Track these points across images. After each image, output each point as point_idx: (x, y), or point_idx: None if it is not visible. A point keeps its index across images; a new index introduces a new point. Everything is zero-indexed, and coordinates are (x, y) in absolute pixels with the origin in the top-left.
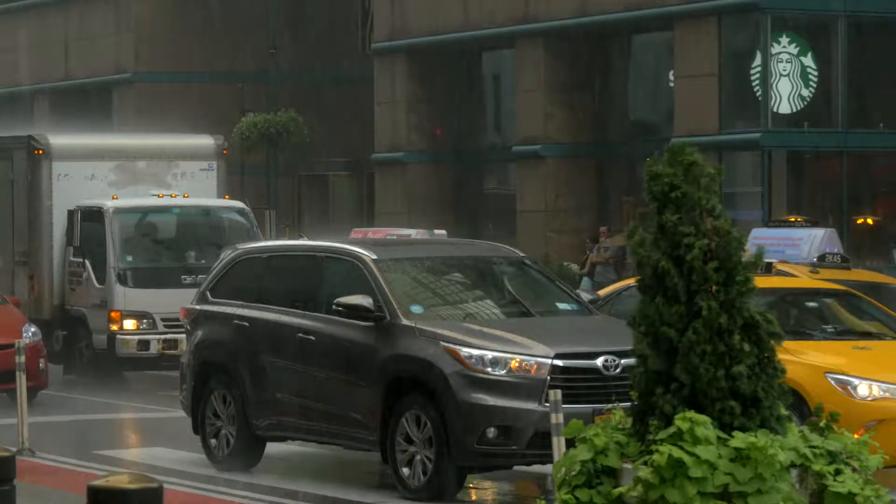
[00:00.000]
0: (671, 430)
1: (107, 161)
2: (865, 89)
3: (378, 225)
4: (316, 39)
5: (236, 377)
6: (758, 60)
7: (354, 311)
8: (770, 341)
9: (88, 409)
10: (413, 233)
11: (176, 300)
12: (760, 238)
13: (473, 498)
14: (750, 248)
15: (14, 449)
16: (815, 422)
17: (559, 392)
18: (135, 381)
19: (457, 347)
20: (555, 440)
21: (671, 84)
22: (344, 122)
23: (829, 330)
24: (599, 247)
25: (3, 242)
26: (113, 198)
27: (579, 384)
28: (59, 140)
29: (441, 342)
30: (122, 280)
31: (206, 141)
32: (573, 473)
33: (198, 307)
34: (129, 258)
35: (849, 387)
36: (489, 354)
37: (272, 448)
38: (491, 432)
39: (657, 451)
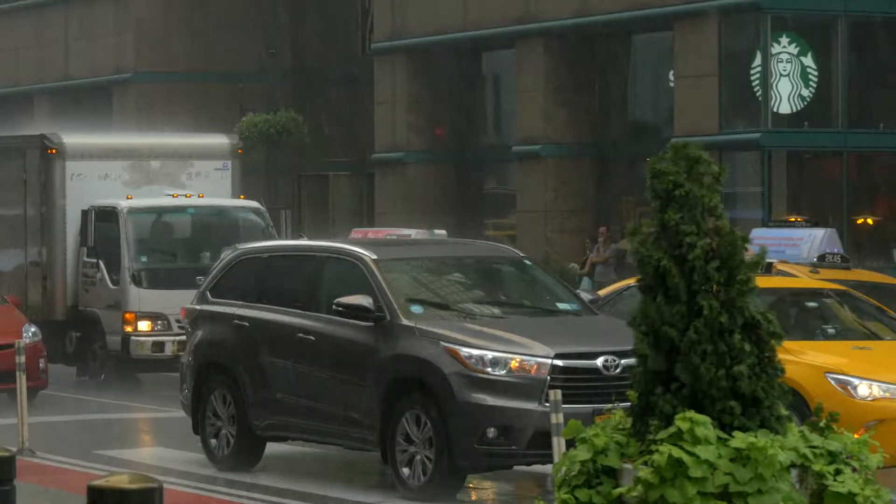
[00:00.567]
0: (671, 430)
1: (121, 160)
2: (865, 89)
3: (378, 225)
4: (316, 39)
5: (236, 377)
6: (758, 60)
7: (354, 311)
8: (770, 341)
9: (89, 409)
10: (413, 233)
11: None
12: (760, 238)
13: (473, 498)
14: (750, 249)
15: (14, 449)
16: (815, 422)
17: (559, 392)
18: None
19: (457, 347)
20: (555, 440)
21: (671, 84)
22: (344, 122)
23: (829, 330)
24: (599, 247)
25: (16, 243)
26: (127, 198)
27: (579, 384)
28: (72, 139)
29: (441, 342)
30: (136, 281)
31: (220, 140)
32: (573, 473)
33: (198, 307)
34: (144, 259)
35: (849, 387)
36: (489, 354)
37: (272, 448)
38: (491, 432)
39: (657, 451)
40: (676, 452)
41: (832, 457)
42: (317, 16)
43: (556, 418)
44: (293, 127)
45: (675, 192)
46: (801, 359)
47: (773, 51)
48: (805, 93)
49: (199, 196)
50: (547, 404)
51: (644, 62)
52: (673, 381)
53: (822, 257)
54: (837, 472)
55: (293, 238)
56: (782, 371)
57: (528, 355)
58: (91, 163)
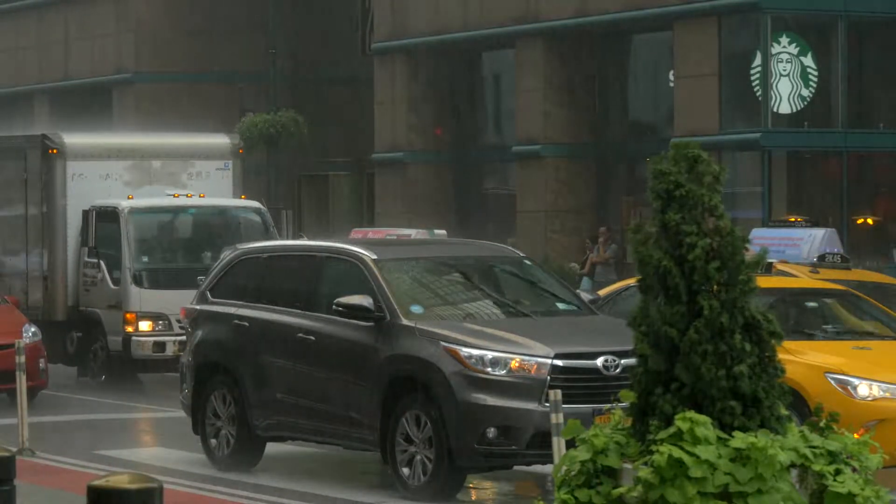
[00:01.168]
0: (671, 430)
1: (122, 160)
2: (865, 89)
3: (378, 225)
4: (316, 39)
5: (236, 377)
6: (758, 60)
7: (354, 311)
8: (771, 341)
9: (88, 409)
10: (413, 233)
11: None
12: (760, 238)
13: (473, 498)
14: (751, 249)
15: (14, 449)
16: (815, 422)
17: (559, 392)
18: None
19: (457, 347)
20: (555, 440)
21: (671, 84)
22: (344, 122)
23: (829, 330)
24: (599, 247)
25: (16, 243)
26: (128, 197)
27: (579, 384)
28: (73, 139)
29: (441, 342)
30: (137, 281)
31: (221, 140)
32: (573, 473)
33: (198, 307)
34: (145, 259)
35: (849, 387)
36: (489, 354)
37: (272, 448)
38: (491, 432)
39: (657, 451)
40: (676, 452)
41: (832, 457)
42: (317, 16)
43: (556, 418)
44: (293, 127)
45: (675, 193)
46: (801, 359)
47: (773, 51)
48: (805, 93)
49: (200, 196)
50: (547, 404)
51: (644, 62)
52: (673, 381)
53: (822, 257)
54: (837, 472)
55: (293, 238)
56: (782, 371)
57: (528, 355)
58: (92, 163)
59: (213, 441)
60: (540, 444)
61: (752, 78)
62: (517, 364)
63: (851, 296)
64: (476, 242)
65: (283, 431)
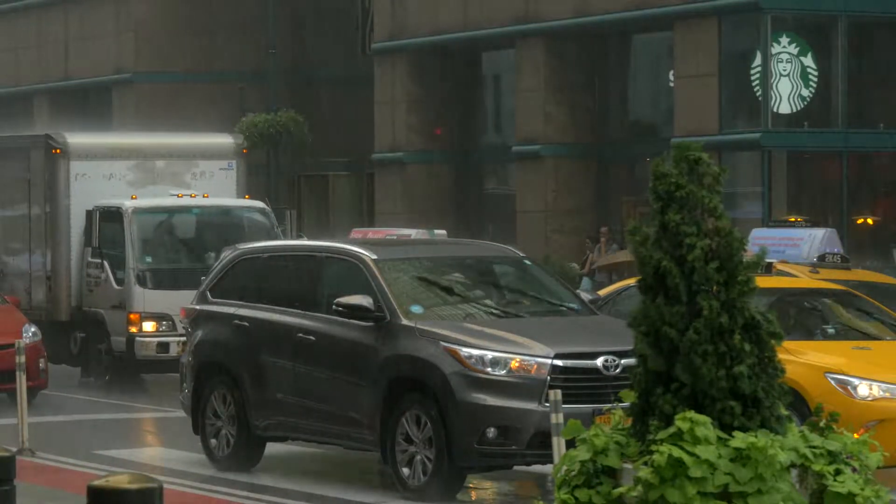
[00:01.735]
0: (671, 430)
1: (125, 160)
2: (865, 89)
3: (378, 225)
4: (316, 39)
5: (236, 377)
6: (758, 60)
7: (354, 311)
8: (770, 341)
9: (89, 409)
10: (413, 233)
11: None
12: (760, 238)
13: (473, 498)
14: (750, 249)
15: (14, 449)
16: (815, 422)
17: (559, 392)
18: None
19: (457, 347)
20: (555, 440)
21: (671, 84)
22: (344, 122)
23: (829, 330)
24: (600, 247)
25: (20, 243)
26: (132, 197)
27: (579, 384)
28: (76, 139)
29: (441, 342)
30: (141, 281)
31: (225, 140)
32: (573, 473)
33: (198, 307)
34: (149, 259)
35: (849, 387)
36: (489, 354)
37: (272, 448)
38: (491, 432)
39: (657, 451)
40: (676, 452)
41: (832, 457)
42: (317, 16)
43: (556, 418)
44: (293, 127)
45: (676, 194)
46: (801, 359)
47: (773, 51)
48: (805, 93)
49: (203, 196)
50: (547, 404)
51: (644, 62)
52: (673, 382)
53: (822, 257)
54: (837, 472)
55: (293, 238)
56: (782, 371)
57: (528, 355)
58: (95, 163)
59: (213, 441)
60: (540, 444)
61: (752, 78)
62: (517, 364)
63: (851, 296)
64: (476, 242)
65: (283, 431)
